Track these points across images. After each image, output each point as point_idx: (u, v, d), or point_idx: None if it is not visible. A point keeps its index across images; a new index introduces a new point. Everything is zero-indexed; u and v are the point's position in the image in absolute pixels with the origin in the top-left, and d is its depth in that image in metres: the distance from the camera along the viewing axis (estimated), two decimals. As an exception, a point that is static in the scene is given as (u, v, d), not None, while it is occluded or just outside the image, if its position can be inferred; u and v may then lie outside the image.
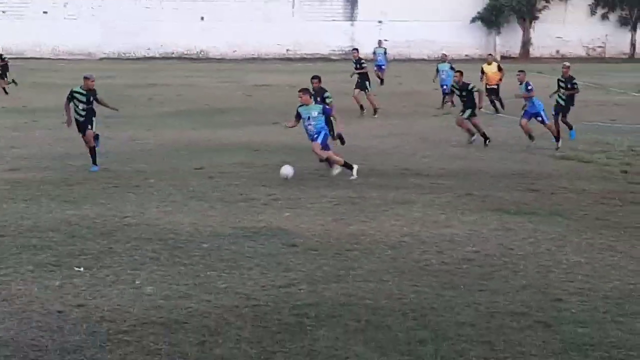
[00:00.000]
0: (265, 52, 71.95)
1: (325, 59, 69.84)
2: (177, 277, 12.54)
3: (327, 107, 21.25)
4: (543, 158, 24.13)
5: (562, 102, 27.12)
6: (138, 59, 70.46)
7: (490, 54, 39.37)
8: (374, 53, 50.17)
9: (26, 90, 43.64)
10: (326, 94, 23.17)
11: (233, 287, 12.08)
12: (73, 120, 21.55)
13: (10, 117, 32.68)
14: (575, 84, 27.40)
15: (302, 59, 69.43)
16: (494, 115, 33.16)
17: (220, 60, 69.87)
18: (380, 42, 53.24)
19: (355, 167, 20.47)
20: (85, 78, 21.62)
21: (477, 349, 9.92)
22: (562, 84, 27.35)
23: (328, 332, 10.36)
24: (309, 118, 20.21)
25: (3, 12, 72.65)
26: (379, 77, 47.36)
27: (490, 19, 75.21)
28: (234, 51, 72.15)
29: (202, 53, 72.74)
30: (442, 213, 16.94)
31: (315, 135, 20.28)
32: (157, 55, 71.76)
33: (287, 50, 72.50)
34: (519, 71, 27.43)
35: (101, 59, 70.88)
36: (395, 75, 50.61)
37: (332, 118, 21.86)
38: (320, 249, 14.11)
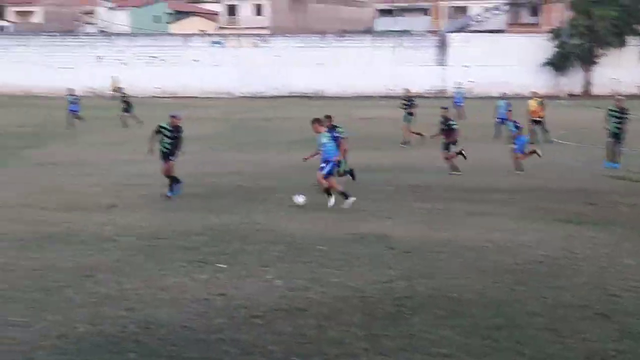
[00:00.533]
0: (371, 90, 71.92)
1: (420, 96, 69.42)
2: (299, 272, 12.59)
3: (335, 134, 19.36)
4: (598, 178, 23.65)
5: (616, 131, 26.23)
6: (269, 97, 71.07)
7: (534, 92, 38.57)
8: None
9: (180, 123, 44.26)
10: (338, 129, 20.88)
11: (344, 281, 12.09)
12: (155, 151, 20.16)
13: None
14: (628, 113, 26.51)
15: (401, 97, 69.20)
16: (541, 143, 32.66)
17: (334, 97, 70.04)
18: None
19: (352, 199, 18.27)
20: (172, 116, 20.27)
21: (545, 334, 9.76)
22: (615, 114, 26.34)
23: (421, 319, 10.31)
24: (320, 145, 18.84)
25: (162, 60, 74.04)
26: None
27: (558, 64, 74.34)
28: (344, 90, 72.29)
29: (320, 92, 73.03)
30: (516, 223, 16.74)
31: (323, 164, 18.56)
32: (285, 94, 72.24)
33: (389, 89, 72.29)
34: (508, 110, 27.34)
35: (239, 97, 71.70)
36: (478, 110, 50.11)
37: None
38: (415, 251, 14.04)
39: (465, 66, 72.94)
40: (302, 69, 73.08)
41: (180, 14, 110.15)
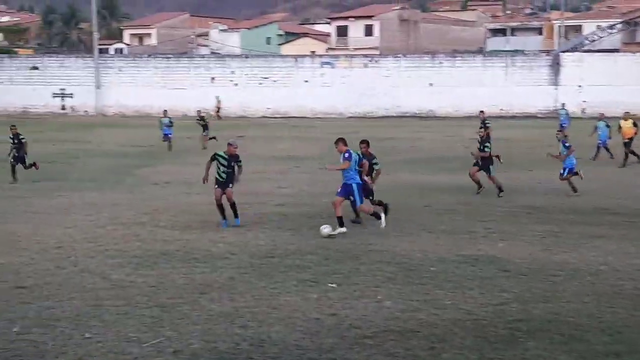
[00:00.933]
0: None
1: (532, 117, 68.62)
2: (411, 294, 12.53)
3: (346, 155, 17.60)
4: None
5: None
6: (379, 117, 71.09)
7: (627, 112, 37.33)
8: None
9: (289, 142, 44.74)
10: (374, 160, 19.68)
11: (456, 303, 11.97)
12: (211, 178, 19.05)
13: (278, 164, 33.57)
14: None
15: (513, 117, 68.40)
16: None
17: (445, 118, 69.64)
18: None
19: (383, 217, 17.93)
20: (229, 144, 19.05)
21: (667, 362, 9.47)
22: None
23: (536, 343, 10.12)
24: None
25: (274, 81, 74.90)
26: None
27: (676, 82, 72.24)
28: (456, 110, 71.76)
29: (430, 112, 72.72)
30: (634, 246, 16.30)
31: (352, 198, 17.70)
32: (394, 115, 72.11)
33: (500, 109, 71.50)
34: (558, 131, 26.16)
35: (349, 117, 71.91)
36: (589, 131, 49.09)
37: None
38: (530, 274, 13.81)
39: (579, 86, 71.64)
40: (412, 89, 72.88)
41: (291, 35, 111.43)
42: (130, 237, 17.34)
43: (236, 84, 74.91)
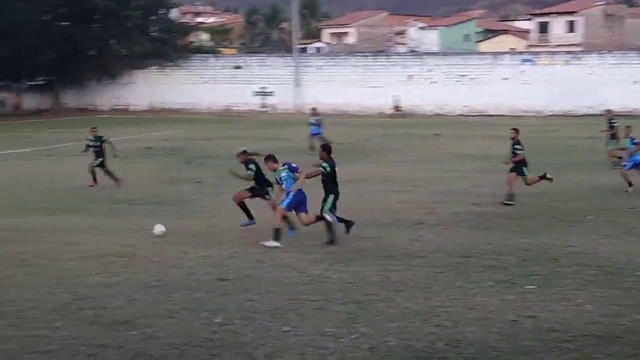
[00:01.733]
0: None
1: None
2: (613, 298, 12.14)
3: (292, 165, 16.79)
4: None
5: None
6: (580, 115, 69.09)
7: None
8: None
9: (488, 141, 44.12)
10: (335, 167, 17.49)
11: (663, 310, 11.52)
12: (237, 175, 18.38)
13: (476, 163, 33.20)
14: None
15: None
16: None
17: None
18: None
19: (276, 241, 16.17)
20: (237, 154, 18.38)
21: None
22: None
23: None
24: (279, 179, 16.76)
25: (472, 79, 74.21)
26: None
27: None
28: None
29: (635, 110, 70.00)
30: None
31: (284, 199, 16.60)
32: (596, 113, 69.84)
33: None
34: (626, 126, 24.91)
35: (548, 115, 70.31)
36: None
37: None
38: None
39: None
40: (616, 87, 70.37)
41: (489, 32, 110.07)
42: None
43: (434, 82, 74.68)
